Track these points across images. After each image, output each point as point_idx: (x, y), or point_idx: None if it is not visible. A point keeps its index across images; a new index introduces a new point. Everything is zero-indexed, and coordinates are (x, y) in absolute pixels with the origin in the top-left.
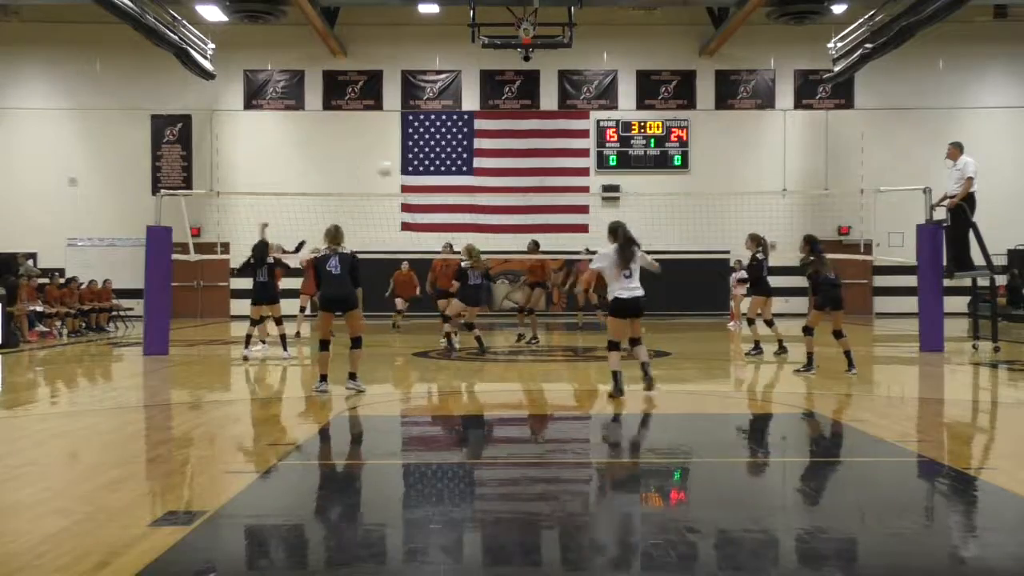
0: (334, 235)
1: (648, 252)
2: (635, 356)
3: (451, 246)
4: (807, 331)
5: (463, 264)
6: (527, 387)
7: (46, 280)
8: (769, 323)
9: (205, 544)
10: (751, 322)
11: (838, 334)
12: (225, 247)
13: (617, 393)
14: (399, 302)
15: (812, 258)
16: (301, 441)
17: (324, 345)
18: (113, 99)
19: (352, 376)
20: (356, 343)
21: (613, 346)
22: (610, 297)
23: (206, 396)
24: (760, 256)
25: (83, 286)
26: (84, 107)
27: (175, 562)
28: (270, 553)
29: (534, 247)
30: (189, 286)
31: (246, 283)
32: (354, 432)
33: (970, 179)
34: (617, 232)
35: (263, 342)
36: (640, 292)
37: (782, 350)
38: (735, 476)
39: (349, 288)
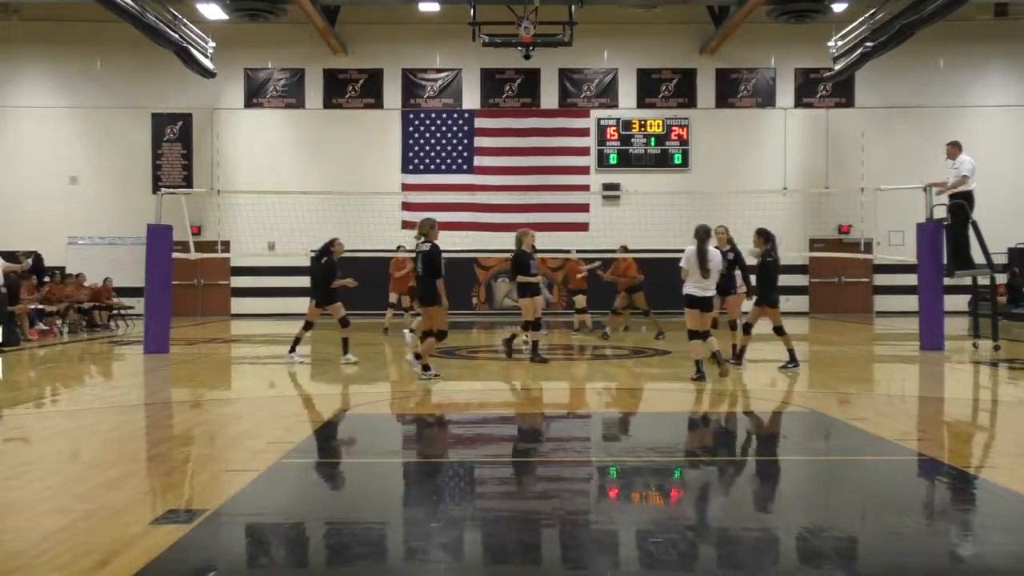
0: (418, 230)
1: (649, 251)
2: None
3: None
4: (779, 331)
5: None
6: (532, 385)
7: (46, 278)
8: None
9: (205, 542)
10: (744, 328)
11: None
12: (226, 245)
13: (699, 377)
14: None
15: (771, 256)
16: (302, 439)
17: (434, 336)
18: (114, 97)
19: (425, 368)
20: (425, 336)
21: (694, 335)
22: (684, 292)
23: (206, 395)
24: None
25: (77, 278)
26: (85, 105)
27: (175, 560)
28: (271, 552)
29: (623, 250)
30: (190, 284)
31: (246, 282)
32: (355, 430)
33: (964, 177)
34: (698, 235)
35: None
36: (711, 292)
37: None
38: (735, 474)
39: (425, 285)
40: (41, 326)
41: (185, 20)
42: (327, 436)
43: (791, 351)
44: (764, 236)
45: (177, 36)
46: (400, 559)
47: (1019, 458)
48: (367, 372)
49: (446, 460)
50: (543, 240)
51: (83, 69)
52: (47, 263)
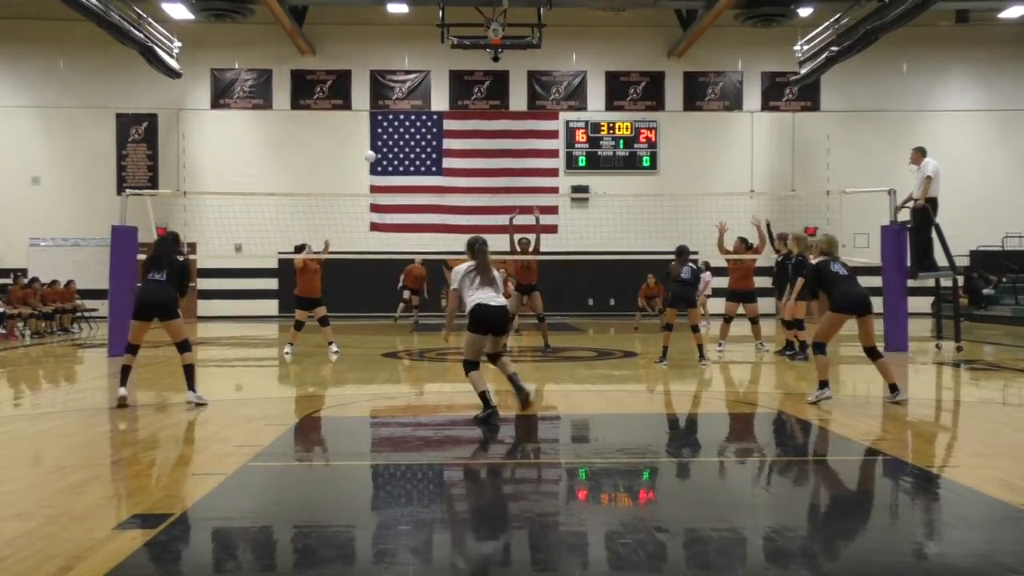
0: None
1: (618, 253)
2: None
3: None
4: (668, 327)
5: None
6: (499, 388)
7: (8, 281)
8: (795, 324)
9: (170, 547)
10: (797, 325)
11: (695, 328)
12: (192, 247)
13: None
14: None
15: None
16: (269, 442)
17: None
18: (78, 97)
19: None
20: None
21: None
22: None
23: (172, 398)
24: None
25: (46, 286)
26: (47, 105)
27: (139, 566)
28: (237, 556)
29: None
30: None
31: (213, 284)
32: (322, 433)
33: (928, 178)
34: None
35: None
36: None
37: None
38: (702, 475)
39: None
40: (0, 330)
41: (150, 19)
42: (294, 439)
43: (665, 349)
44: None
45: (142, 35)
46: (368, 562)
47: (981, 457)
48: (336, 374)
49: (414, 463)
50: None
51: (46, 68)
52: (10, 265)
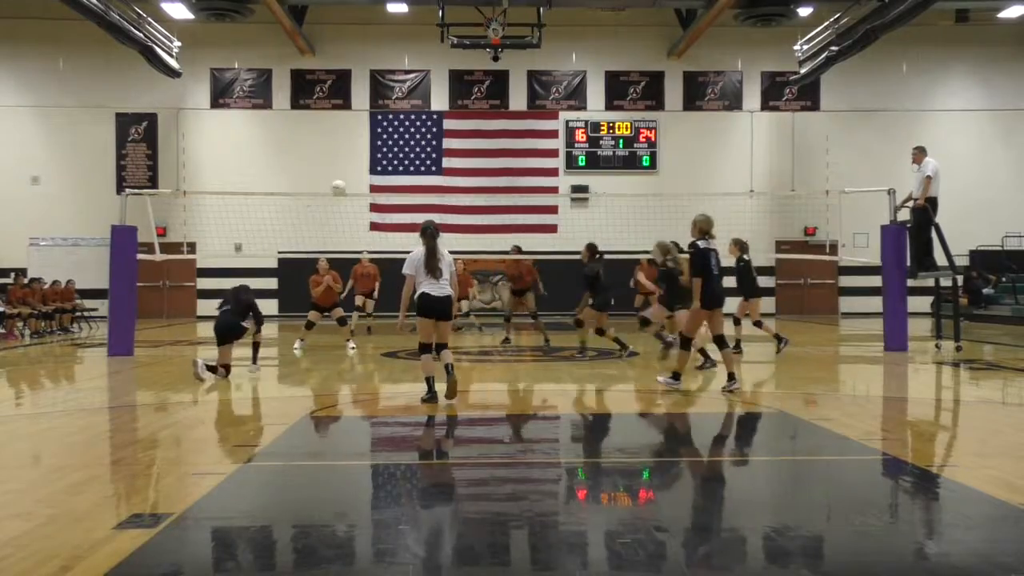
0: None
1: (618, 252)
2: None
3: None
4: (600, 332)
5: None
6: (498, 387)
7: (8, 280)
8: (757, 324)
9: (171, 547)
10: (737, 322)
11: (601, 331)
12: (192, 247)
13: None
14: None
15: (597, 267)
16: (268, 442)
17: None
18: (77, 97)
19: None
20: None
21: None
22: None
23: (172, 397)
24: (746, 258)
25: (46, 286)
26: (47, 104)
27: (140, 565)
28: (237, 555)
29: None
30: (155, 286)
31: (213, 283)
32: (321, 433)
33: (928, 177)
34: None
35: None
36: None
37: (782, 344)
38: (702, 475)
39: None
40: (0, 329)
41: (150, 19)
42: (294, 438)
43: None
44: (591, 250)
45: (142, 35)
46: (368, 561)
47: (980, 457)
48: (334, 374)
49: (413, 462)
50: (508, 242)
51: (45, 67)
52: (10, 265)
